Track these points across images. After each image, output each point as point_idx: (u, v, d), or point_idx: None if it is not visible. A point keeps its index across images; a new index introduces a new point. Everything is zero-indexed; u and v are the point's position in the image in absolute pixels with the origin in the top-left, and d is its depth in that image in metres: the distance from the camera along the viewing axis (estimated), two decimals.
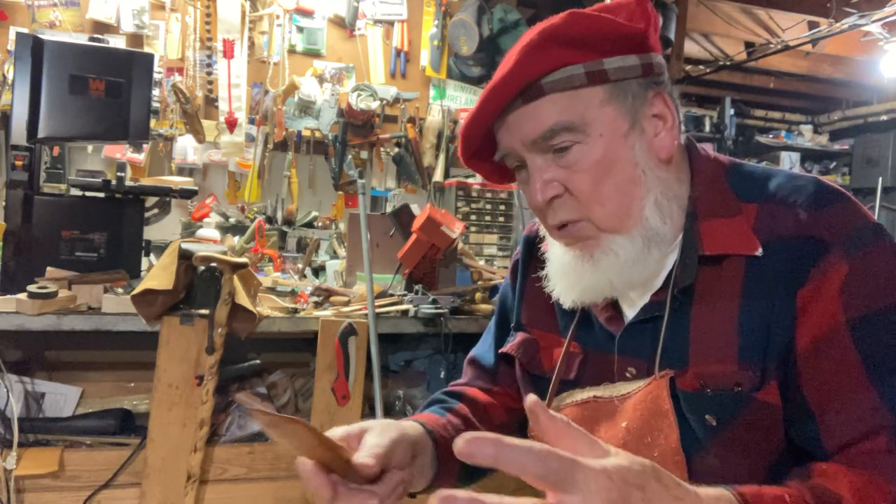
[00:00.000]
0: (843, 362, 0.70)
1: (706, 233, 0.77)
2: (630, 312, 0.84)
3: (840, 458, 0.69)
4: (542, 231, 0.89)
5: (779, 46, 4.19)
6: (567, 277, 0.81)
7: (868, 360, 0.69)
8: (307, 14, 3.56)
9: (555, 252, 0.84)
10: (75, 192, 2.18)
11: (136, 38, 3.30)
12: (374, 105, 3.48)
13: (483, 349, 1.08)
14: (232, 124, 3.37)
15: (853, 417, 0.69)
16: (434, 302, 2.05)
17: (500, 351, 1.02)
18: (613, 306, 0.85)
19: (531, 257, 1.00)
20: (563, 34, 0.74)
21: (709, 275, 0.77)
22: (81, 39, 2.76)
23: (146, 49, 3.25)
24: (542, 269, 0.96)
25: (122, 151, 3.29)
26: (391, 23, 3.71)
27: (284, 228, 3.16)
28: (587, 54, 0.75)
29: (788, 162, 5.54)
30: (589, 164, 0.75)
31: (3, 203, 2.07)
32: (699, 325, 0.77)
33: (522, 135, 0.77)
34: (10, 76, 2.83)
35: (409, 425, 0.80)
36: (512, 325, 1.01)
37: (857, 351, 0.69)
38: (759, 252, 0.74)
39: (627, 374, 0.81)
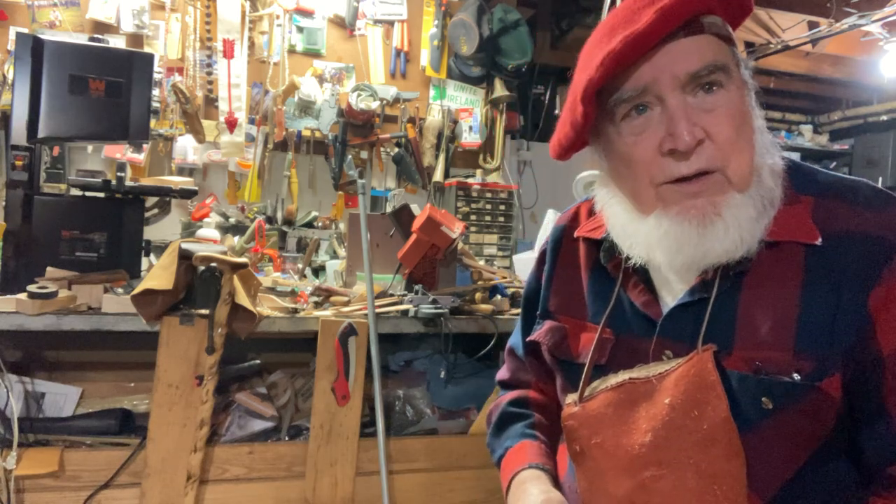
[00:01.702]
0: None
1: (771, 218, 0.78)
2: (667, 296, 0.85)
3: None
4: (605, 206, 0.86)
5: (779, 46, 4.19)
6: (677, 241, 0.77)
7: None
8: (307, 14, 3.56)
9: (656, 219, 0.79)
10: (75, 192, 2.18)
11: (136, 38, 3.30)
12: (374, 105, 3.48)
13: (516, 339, 1.11)
14: (232, 124, 3.37)
15: None
16: (434, 302, 2.05)
17: (527, 339, 1.04)
18: (650, 290, 0.86)
19: (562, 246, 1.01)
20: None
21: (763, 259, 0.78)
22: (81, 39, 2.76)
23: (146, 49, 3.25)
24: (576, 255, 0.97)
25: (122, 151, 3.29)
26: (391, 23, 3.71)
27: (284, 228, 3.16)
28: (722, 10, 0.78)
29: None
30: (732, 111, 0.75)
31: (3, 203, 2.06)
32: (749, 309, 0.77)
33: (677, 68, 0.75)
34: (10, 76, 2.83)
35: (551, 483, 0.92)
36: (538, 313, 1.02)
37: None
38: (819, 241, 0.75)
39: (664, 357, 0.82)
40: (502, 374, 1.13)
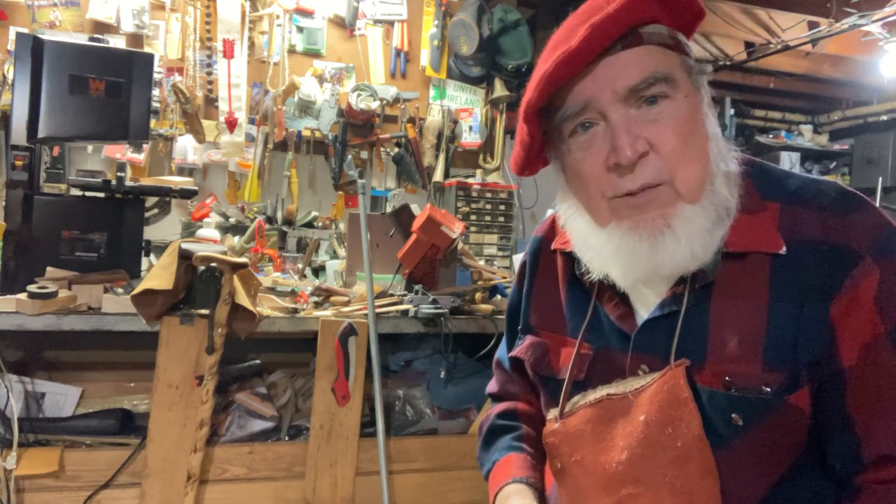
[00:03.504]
0: (884, 375, 0.71)
1: (731, 228, 0.77)
2: (642, 310, 0.83)
3: (864, 484, 0.72)
4: (568, 220, 0.85)
5: (779, 46, 4.19)
6: (629, 256, 0.76)
7: None
8: (307, 14, 3.56)
9: (608, 233, 0.78)
10: (75, 192, 2.18)
11: (136, 38, 3.30)
12: (374, 105, 3.48)
13: (503, 352, 1.10)
14: (232, 124, 3.37)
15: (892, 433, 0.70)
16: (434, 302, 2.05)
17: (509, 355, 1.03)
18: (626, 304, 0.85)
19: (540, 258, 0.99)
20: None
21: (730, 271, 0.76)
22: (81, 39, 2.76)
23: (146, 49, 3.25)
24: (554, 268, 0.96)
25: (122, 151, 3.29)
26: (391, 23, 3.71)
27: (284, 228, 3.16)
28: (669, 19, 0.76)
29: (788, 162, 5.53)
30: (678, 121, 0.74)
31: (3, 203, 2.06)
32: (719, 322, 0.76)
33: (616, 83, 0.73)
34: (10, 76, 2.83)
35: (535, 497, 0.91)
36: (519, 327, 1.01)
37: None
38: (783, 251, 0.74)
39: (640, 372, 0.81)
40: (492, 386, 1.12)
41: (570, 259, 0.91)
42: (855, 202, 0.75)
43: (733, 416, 0.73)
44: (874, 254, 0.71)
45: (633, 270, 0.77)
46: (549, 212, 2.81)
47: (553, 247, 0.96)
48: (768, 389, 0.72)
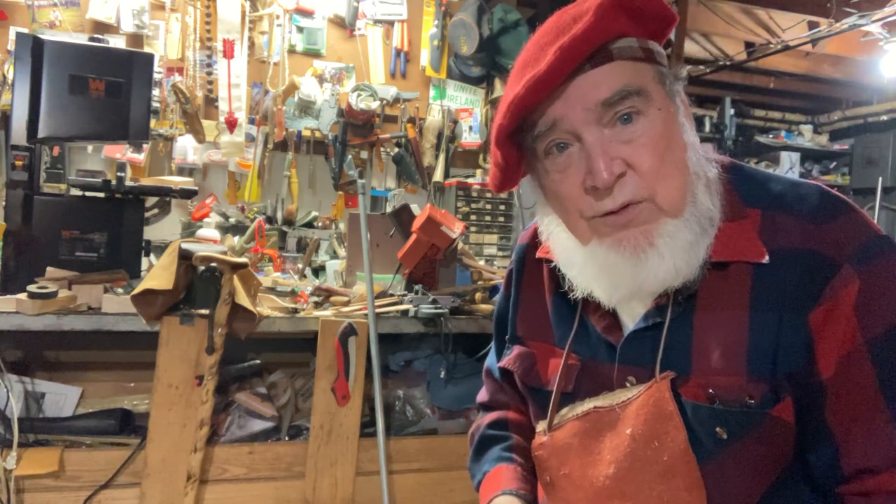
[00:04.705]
0: (863, 386, 0.69)
1: (714, 237, 0.75)
2: (628, 320, 0.82)
3: (844, 496, 0.71)
4: (550, 235, 0.84)
5: (779, 46, 4.19)
6: (612, 274, 0.75)
7: (886, 383, 0.69)
8: (307, 14, 3.56)
9: (591, 251, 0.77)
10: (75, 192, 2.18)
11: (136, 38, 3.31)
12: (374, 105, 3.48)
13: (492, 361, 1.09)
14: (232, 124, 3.37)
15: (871, 445, 0.69)
16: (434, 302, 2.05)
17: (498, 366, 1.02)
18: (612, 314, 0.83)
19: (526, 267, 0.98)
20: (628, 3, 0.72)
21: (713, 281, 0.75)
22: (81, 39, 2.76)
23: (146, 49, 3.25)
24: (540, 277, 0.95)
25: (122, 151, 3.29)
26: (391, 23, 3.71)
27: (284, 228, 3.16)
28: (639, 30, 0.75)
29: (788, 162, 5.54)
30: (654, 137, 0.72)
31: (3, 203, 2.07)
32: (703, 333, 0.75)
33: (587, 101, 0.72)
34: (10, 76, 2.83)
35: None
36: (507, 337, 1.00)
37: (876, 374, 0.69)
38: (766, 259, 0.73)
39: (627, 383, 0.80)
40: (482, 396, 1.11)
41: (556, 268, 0.89)
42: (837, 208, 0.74)
43: (717, 429, 0.73)
44: (854, 262, 0.70)
45: (617, 289, 0.76)
46: None
47: (538, 255, 0.95)
48: (752, 401, 0.71)
